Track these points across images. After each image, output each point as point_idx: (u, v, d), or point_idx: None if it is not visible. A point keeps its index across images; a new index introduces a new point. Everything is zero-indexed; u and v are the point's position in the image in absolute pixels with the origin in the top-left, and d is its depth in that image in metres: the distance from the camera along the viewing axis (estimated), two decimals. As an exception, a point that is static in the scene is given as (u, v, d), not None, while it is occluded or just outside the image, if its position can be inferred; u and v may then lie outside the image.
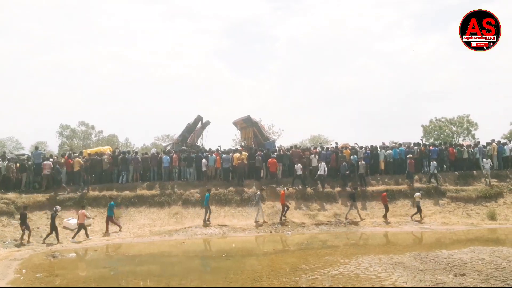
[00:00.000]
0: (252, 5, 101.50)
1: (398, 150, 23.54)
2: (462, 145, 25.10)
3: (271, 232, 18.42)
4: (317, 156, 22.70)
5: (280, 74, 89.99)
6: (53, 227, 16.68)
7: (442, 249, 14.22)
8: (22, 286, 11.22)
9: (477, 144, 25.46)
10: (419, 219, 19.73)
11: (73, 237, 17.09)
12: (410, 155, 22.73)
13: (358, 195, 20.81)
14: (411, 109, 79.59)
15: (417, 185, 22.08)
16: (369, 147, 24.04)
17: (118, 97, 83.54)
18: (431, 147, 24.49)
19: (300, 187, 21.68)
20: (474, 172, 23.23)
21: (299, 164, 21.89)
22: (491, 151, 23.62)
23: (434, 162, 22.35)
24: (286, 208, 19.78)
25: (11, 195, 19.26)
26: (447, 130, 46.51)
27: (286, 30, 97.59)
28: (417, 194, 20.23)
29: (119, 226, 18.53)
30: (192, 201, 20.72)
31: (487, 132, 56.92)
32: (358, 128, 75.12)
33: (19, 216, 16.91)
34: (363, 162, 22.26)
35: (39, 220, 18.22)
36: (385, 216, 20.06)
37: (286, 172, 22.79)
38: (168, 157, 22.41)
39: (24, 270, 12.62)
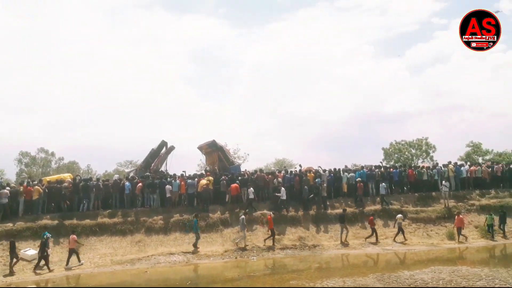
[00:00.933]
0: (216, 31, 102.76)
1: (360, 173, 23.97)
2: (422, 167, 25.88)
3: (236, 257, 18.26)
4: (280, 180, 22.81)
5: (245, 99, 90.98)
6: (43, 254, 16.52)
7: (404, 270, 14.52)
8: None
9: (435, 166, 26.31)
10: (402, 240, 20.10)
11: (67, 264, 16.99)
12: (359, 179, 23.19)
13: (347, 217, 21.00)
14: (372, 132, 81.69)
15: (378, 207, 22.53)
16: (332, 170, 24.39)
17: (79, 123, 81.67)
18: (391, 169, 25.12)
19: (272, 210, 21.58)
20: (433, 193, 23.88)
21: (251, 188, 21.96)
22: (448, 173, 24.39)
23: (384, 183, 22.94)
24: (273, 233, 19.75)
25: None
26: (406, 153, 47.82)
27: (250, 55, 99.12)
28: (399, 215, 20.72)
29: None
30: (156, 229, 20.26)
31: (445, 154, 58.80)
32: (321, 151, 76.32)
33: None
34: (325, 185, 22.57)
35: (-6, 252, 17.43)
36: (375, 238, 20.25)
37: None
38: (130, 184, 22.00)
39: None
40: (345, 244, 19.90)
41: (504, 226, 20.77)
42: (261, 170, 26.16)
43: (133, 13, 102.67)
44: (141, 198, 21.94)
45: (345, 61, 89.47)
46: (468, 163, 28.60)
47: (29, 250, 17.66)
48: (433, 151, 47.06)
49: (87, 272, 16.41)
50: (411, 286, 12.33)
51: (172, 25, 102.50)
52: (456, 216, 20.64)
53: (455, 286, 12.20)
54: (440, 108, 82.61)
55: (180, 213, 21.04)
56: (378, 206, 22.61)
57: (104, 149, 71.95)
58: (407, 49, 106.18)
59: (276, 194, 21.91)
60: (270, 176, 23.49)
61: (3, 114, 74.07)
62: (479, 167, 25.99)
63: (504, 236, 20.64)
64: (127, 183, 22.04)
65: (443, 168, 24.89)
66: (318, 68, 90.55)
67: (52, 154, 49.97)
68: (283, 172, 24.82)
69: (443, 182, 23.31)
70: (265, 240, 19.84)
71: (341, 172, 24.34)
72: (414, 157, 47.11)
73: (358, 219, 21.71)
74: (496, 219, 20.92)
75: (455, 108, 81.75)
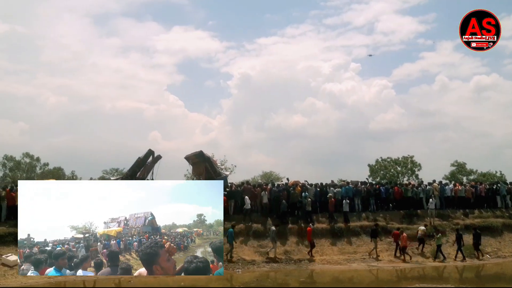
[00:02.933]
0: (205, 43, 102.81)
1: (346, 189, 23.99)
2: (407, 184, 26.08)
3: (221, 269, 18.11)
4: (266, 193, 22.75)
5: (233, 111, 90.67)
6: None
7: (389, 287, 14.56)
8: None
9: (420, 184, 26.55)
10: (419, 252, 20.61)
11: None
12: (330, 195, 23.03)
13: (378, 231, 21.01)
14: (357, 148, 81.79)
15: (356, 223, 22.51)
16: (319, 184, 24.43)
17: (65, 129, 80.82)
18: (377, 186, 25.28)
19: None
20: (418, 211, 24.04)
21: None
22: (433, 191, 24.59)
23: (347, 200, 22.85)
24: (312, 244, 19.98)
25: None
26: (392, 170, 48.15)
27: (238, 68, 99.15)
28: (422, 228, 21.05)
29: None
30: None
31: (430, 173, 59.08)
32: (308, 166, 76.24)
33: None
34: (310, 199, 22.47)
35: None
36: (401, 253, 20.26)
37: (238, 208, 22.67)
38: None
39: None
40: (376, 259, 20.08)
41: (460, 247, 20.55)
42: (247, 182, 26.10)
43: (122, 22, 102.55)
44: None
45: (332, 77, 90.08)
46: (453, 182, 28.95)
47: (11, 255, 17.33)
48: (418, 169, 47.46)
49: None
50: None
51: (161, 36, 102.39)
52: (400, 235, 20.26)
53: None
54: (425, 127, 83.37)
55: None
56: (360, 223, 22.58)
57: (89, 156, 71.29)
58: (393, 68, 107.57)
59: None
60: (258, 188, 23.45)
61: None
62: (462, 186, 26.31)
63: (463, 258, 20.35)
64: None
65: (428, 187, 25.13)
66: (305, 84, 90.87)
67: (37, 159, 49.47)
68: (269, 185, 24.80)
69: (430, 200, 23.47)
70: (308, 252, 20.10)
71: (327, 187, 24.37)
72: (400, 175, 47.44)
73: (353, 234, 21.67)
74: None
75: (439, 127, 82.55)
